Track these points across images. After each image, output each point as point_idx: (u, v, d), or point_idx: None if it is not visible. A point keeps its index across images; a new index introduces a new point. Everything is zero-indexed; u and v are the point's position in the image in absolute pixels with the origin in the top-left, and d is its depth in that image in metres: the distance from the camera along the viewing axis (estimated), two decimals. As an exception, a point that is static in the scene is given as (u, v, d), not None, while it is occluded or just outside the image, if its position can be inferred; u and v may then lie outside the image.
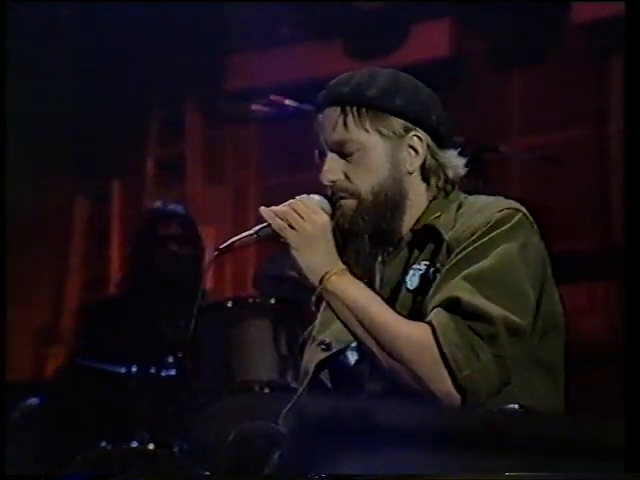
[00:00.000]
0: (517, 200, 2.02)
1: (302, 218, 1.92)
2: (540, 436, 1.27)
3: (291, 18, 4.74)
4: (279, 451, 1.91)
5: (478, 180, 2.14)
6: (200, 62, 4.87)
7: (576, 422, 1.34)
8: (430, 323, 1.87)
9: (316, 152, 2.03)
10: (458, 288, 1.87)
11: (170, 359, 3.30)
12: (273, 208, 1.95)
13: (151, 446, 3.19)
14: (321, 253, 1.92)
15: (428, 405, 1.80)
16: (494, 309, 1.86)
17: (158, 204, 3.94)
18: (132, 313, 3.69)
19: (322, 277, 1.91)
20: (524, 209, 1.96)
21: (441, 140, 2.00)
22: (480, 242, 1.91)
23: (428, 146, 1.99)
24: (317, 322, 2.09)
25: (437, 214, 1.98)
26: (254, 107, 3.40)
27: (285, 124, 3.91)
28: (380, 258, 2.00)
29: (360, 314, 1.90)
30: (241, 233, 1.96)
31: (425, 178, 2.00)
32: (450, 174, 2.01)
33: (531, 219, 1.96)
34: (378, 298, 1.92)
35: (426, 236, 1.97)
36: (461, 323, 1.86)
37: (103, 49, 4.77)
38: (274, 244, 1.97)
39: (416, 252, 1.98)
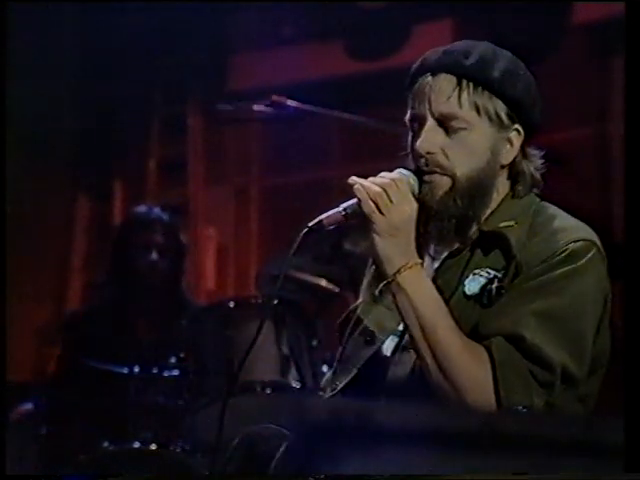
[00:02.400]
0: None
1: (392, 202, 1.85)
2: (540, 436, 1.27)
3: (293, 19, 4.74)
4: (283, 452, 1.90)
5: None
6: (202, 62, 4.88)
7: (576, 422, 1.34)
8: (489, 351, 1.83)
9: (408, 113, 1.93)
10: (524, 324, 1.83)
11: (172, 359, 3.30)
12: (366, 185, 1.86)
13: (153, 446, 3.19)
14: (401, 244, 1.86)
15: (429, 405, 1.80)
16: (556, 357, 1.83)
17: (141, 209, 3.86)
18: (114, 320, 3.68)
19: (396, 270, 1.86)
20: (598, 241, 1.90)
21: (532, 138, 1.95)
22: (554, 274, 1.85)
23: (522, 143, 1.94)
24: (360, 303, 2.04)
25: (511, 222, 1.90)
26: (256, 107, 3.40)
27: (287, 124, 3.91)
28: (451, 248, 1.93)
29: (424, 320, 1.85)
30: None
31: (511, 175, 1.95)
32: (536, 176, 1.96)
33: (603, 253, 1.91)
34: (445, 308, 1.86)
35: (495, 242, 1.91)
36: (522, 364, 1.82)
37: (105, 49, 4.77)
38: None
39: (479, 255, 1.92)
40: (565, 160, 3.49)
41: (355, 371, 1.97)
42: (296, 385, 3.08)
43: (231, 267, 4.89)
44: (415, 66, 1.95)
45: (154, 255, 3.69)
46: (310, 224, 1.88)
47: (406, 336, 1.93)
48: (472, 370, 1.83)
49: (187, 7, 4.57)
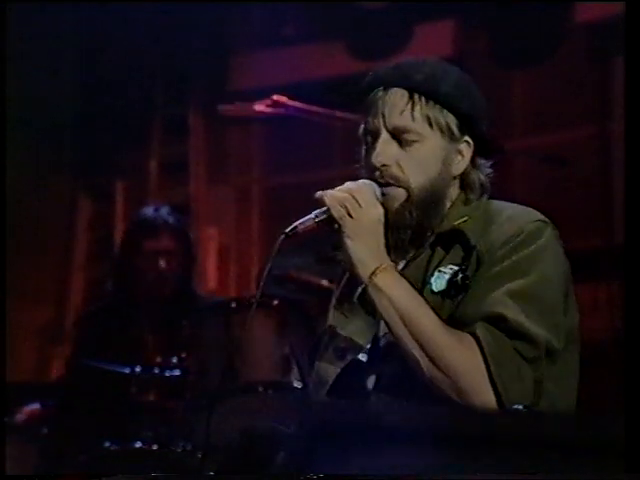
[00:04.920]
0: (520, 201, 2.02)
1: (360, 206, 1.90)
2: (540, 436, 1.27)
3: (294, 19, 4.75)
4: (283, 451, 1.90)
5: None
6: (203, 62, 4.88)
7: (576, 422, 1.34)
8: (475, 336, 1.87)
9: (361, 127, 1.99)
10: (502, 304, 1.87)
11: (174, 359, 3.30)
12: (332, 193, 1.92)
13: (155, 446, 3.19)
14: (372, 246, 1.91)
15: (431, 406, 1.81)
16: (539, 331, 1.87)
17: (148, 213, 3.71)
18: (120, 322, 3.66)
19: (372, 272, 1.90)
20: (549, 221, 1.96)
21: (482, 149, 2.00)
22: (517, 255, 1.91)
23: (472, 154, 1.99)
24: (331, 320, 2.08)
25: (464, 218, 1.97)
26: (257, 107, 3.40)
27: (288, 124, 3.91)
28: (407, 256, 1.98)
29: (406, 316, 1.88)
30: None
31: (462, 184, 2.00)
32: (486, 184, 2.01)
33: (557, 231, 1.97)
34: (424, 301, 1.90)
35: (452, 239, 1.96)
36: (507, 343, 1.86)
37: (106, 49, 4.78)
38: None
39: (440, 254, 1.96)
40: (568, 160, 3.50)
41: (331, 382, 2.00)
42: (297, 385, 3.08)
43: (232, 267, 4.89)
44: (367, 80, 2.02)
45: (162, 263, 3.61)
46: (286, 230, 1.94)
47: (381, 344, 1.96)
48: (462, 354, 1.86)
49: (188, 7, 4.58)
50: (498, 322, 1.87)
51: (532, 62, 4.32)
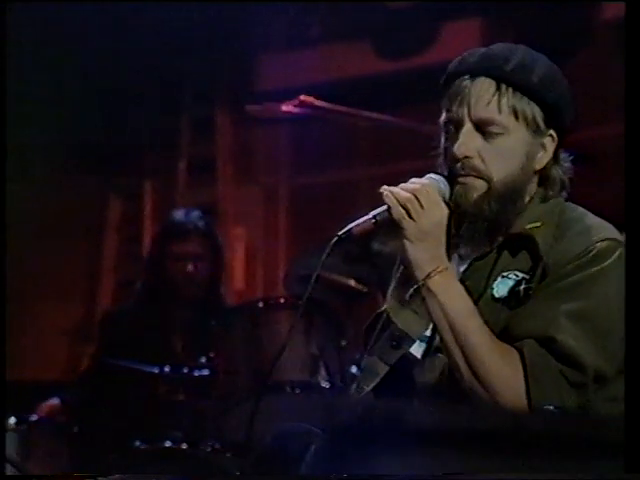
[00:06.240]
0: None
1: (422, 208, 1.86)
2: (540, 436, 1.26)
3: (320, 19, 4.75)
4: (311, 452, 1.90)
5: None
6: (231, 63, 4.89)
7: (576, 422, 1.34)
8: (521, 352, 1.84)
9: (443, 114, 1.93)
10: (555, 325, 1.84)
11: (202, 359, 3.31)
12: (395, 191, 1.87)
13: (184, 446, 3.21)
14: (431, 249, 1.87)
15: (459, 406, 1.80)
16: (587, 358, 1.84)
17: (177, 217, 3.72)
18: (149, 322, 3.68)
19: (427, 275, 1.87)
20: (622, 240, 1.91)
21: (563, 145, 1.95)
22: (582, 275, 1.86)
23: (556, 149, 1.95)
24: (388, 304, 2.04)
25: (537, 223, 1.92)
26: (284, 107, 3.40)
27: (315, 124, 3.92)
28: (477, 252, 1.94)
29: (454, 322, 1.86)
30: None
31: (542, 180, 1.95)
32: (565, 180, 1.97)
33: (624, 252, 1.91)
34: (476, 310, 1.87)
35: (521, 245, 1.92)
36: (553, 365, 1.84)
37: (135, 50, 4.80)
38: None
39: (507, 257, 1.92)
40: (593, 158, 3.48)
41: (382, 375, 1.98)
42: (325, 385, 3.09)
43: (260, 267, 4.90)
44: (452, 67, 1.95)
45: (191, 267, 3.63)
46: (339, 233, 1.89)
47: (435, 340, 1.94)
48: (504, 371, 1.84)
49: (216, 8, 4.59)
50: (548, 343, 1.84)
51: (561, 59, 4.30)
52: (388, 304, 2.05)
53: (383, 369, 1.98)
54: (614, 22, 4.22)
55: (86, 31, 4.68)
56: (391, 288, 2.07)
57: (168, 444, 3.21)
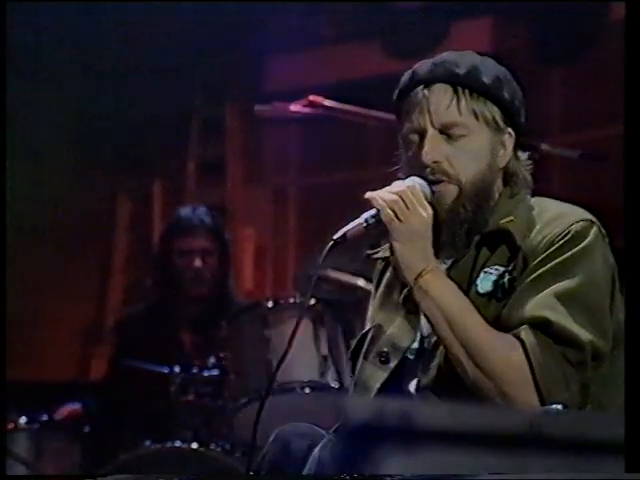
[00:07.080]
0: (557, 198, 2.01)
1: (408, 209, 1.89)
2: (540, 436, 1.26)
3: (330, 19, 4.75)
4: (320, 451, 1.90)
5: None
6: (240, 63, 4.90)
7: (576, 421, 1.34)
8: (520, 340, 1.85)
9: (404, 127, 1.97)
10: (547, 308, 1.86)
11: (212, 359, 3.32)
12: (381, 195, 1.91)
13: (194, 445, 3.21)
14: (420, 249, 1.90)
15: (470, 405, 1.80)
16: (584, 335, 1.86)
17: (184, 213, 3.75)
18: (159, 323, 3.69)
19: (417, 274, 1.89)
20: (595, 219, 1.94)
21: (520, 141, 1.99)
22: (563, 257, 1.89)
23: (514, 146, 1.99)
24: (373, 318, 2.06)
25: (510, 218, 1.95)
26: (293, 108, 3.40)
27: (324, 125, 3.92)
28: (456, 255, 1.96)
29: (451, 318, 1.88)
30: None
31: (505, 177, 1.99)
32: (528, 177, 2.00)
33: (604, 231, 1.95)
34: (470, 303, 1.89)
35: (498, 239, 1.94)
36: (553, 348, 1.85)
37: (145, 50, 4.81)
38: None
39: (486, 254, 1.95)
40: (601, 158, 3.47)
41: (375, 390, 1.97)
42: (334, 385, 3.09)
43: (269, 267, 4.91)
44: (404, 81, 2.00)
45: (198, 262, 3.65)
46: (334, 237, 1.93)
47: (427, 343, 1.95)
48: (507, 359, 1.85)
49: (225, 8, 4.60)
50: (543, 326, 1.85)
51: (572, 59, 4.29)
52: (373, 318, 2.06)
53: (375, 383, 1.98)
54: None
55: (99, 31, 4.70)
56: (370, 314, 2.08)
57: (178, 444, 3.21)
